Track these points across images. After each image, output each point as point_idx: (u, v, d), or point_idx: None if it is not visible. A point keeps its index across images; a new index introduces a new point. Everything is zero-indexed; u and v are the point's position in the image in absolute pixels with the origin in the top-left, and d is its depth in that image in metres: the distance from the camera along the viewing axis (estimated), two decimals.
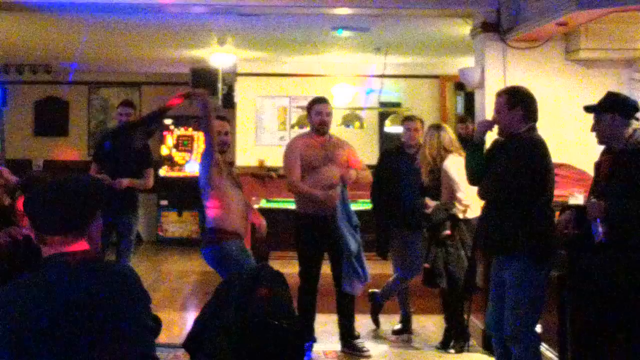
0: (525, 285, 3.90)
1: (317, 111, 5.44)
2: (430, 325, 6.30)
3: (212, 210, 4.84)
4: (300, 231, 5.46)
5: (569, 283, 4.34)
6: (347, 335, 5.51)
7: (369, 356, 5.43)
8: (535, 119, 4.01)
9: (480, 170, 4.07)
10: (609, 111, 3.89)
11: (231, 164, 5.30)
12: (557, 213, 4.21)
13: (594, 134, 3.98)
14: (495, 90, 6.25)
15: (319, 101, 5.52)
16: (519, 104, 3.94)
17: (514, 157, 3.91)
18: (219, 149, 4.86)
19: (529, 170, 3.89)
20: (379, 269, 6.86)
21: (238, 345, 2.46)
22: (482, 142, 4.11)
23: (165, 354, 5.05)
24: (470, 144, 4.18)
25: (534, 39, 6.21)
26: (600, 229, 3.71)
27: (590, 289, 3.94)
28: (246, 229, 5.00)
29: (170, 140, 11.35)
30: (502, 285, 4.03)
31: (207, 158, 4.78)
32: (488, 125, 4.13)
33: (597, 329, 4.07)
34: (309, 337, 5.38)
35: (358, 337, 5.56)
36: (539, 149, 3.95)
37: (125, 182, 5.95)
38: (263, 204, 7.82)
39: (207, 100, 4.78)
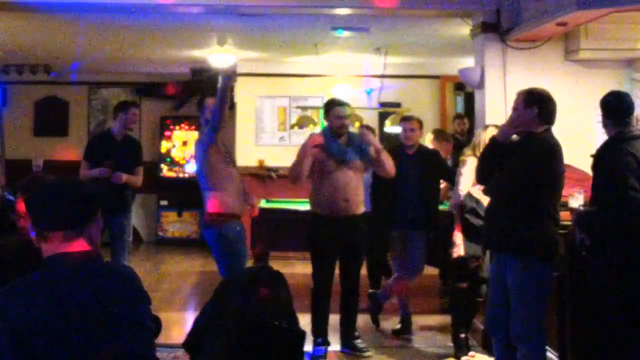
0: (531, 285, 3.91)
1: (336, 115, 5.38)
2: (430, 325, 6.30)
3: (209, 193, 4.99)
4: (315, 232, 5.41)
5: (569, 283, 4.35)
6: (348, 335, 5.51)
7: (369, 356, 5.43)
8: (550, 122, 4.02)
9: (492, 168, 4.07)
10: (602, 111, 4.00)
11: (227, 144, 5.31)
12: (562, 213, 4.22)
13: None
14: (495, 90, 6.33)
15: (339, 104, 5.50)
16: (535, 103, 3.96)
17: (528, 157, 3.92)
18: (221, 126, 5.02)
19: (542, 171, 3.90)
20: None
21: (238, 345, 2.46)
22: (505, 141, 4.08)
23: (165, 354, 5.05)
24: (492, 141, 4.15)
25: (534, 39, 6.21)
26: (578, 236, 3.83)
27: (590, 290, 3.97)
28: (244, 206, 5.17)
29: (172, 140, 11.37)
30: (502, 284, 4.03)
31: (210, 135, 4.90)
32: (513, 125, 4.06)
33: (597, 329, 4.09)
34: (324, 341, 5.37)
35: (358, 337, 5.56)
36: (554, 151, 3.97)
37: (125, 177, 6.00)
38: (263, 204, 7.81)
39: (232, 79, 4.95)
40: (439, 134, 6.64)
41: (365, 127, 5.68)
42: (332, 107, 5.46)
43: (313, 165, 5.31)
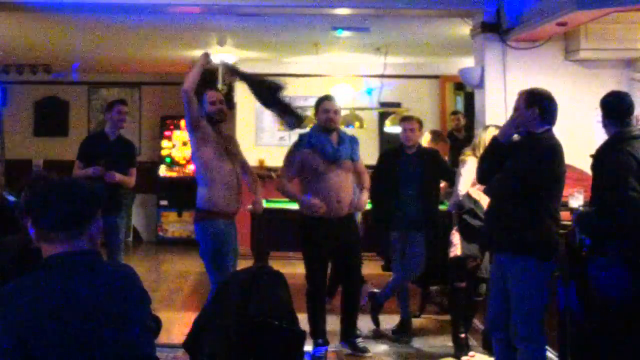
0: (531, 285, 3.90)
1: (324, 109, 5.36)
2: (430, 325, 6.30)
3: (199, 188, 5.00)
4: (305, 233, 5.38)
5: (569, 284, 4.35)
6: (348, 334, 5.49)
7: (369, 356, 5.41)
8: (552, 122, 4.01)
9: (493, 168, 4.06)
10: (602, 111, 3.99)
11: (227, 138, 5.26)
12: (562, 213, 4.22)
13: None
14: (495, 90, 6.33)
15: (325, 99, 5.46)
16: (535, 103, 3.96)
17: (529, 157, 3.92)
18: (218, 117, 5.04)
19: (542, 171, 3.89)
20: (379, 269, 6.86)
21: (238, 345, 2.46)
22: (506, 141, 4.07)
23: (165, 354, 5.05)
24: (493, 141, 4.16)
25: (534, 39, 6.21)
26: (578, 237, 3.82)
27: (590, 290, 3.97)
28: (239, 203, 5.09)
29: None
30: (502, 284, 4.03)
31: (185, 110, 4.94)
32: (514, 125, 4.06)
33: (597, 330, 4.09)
34: (324, 341, 5.36)
35: (359, 336, 5.54)
36: (555, 151, 3.96)
37: (118, 176, 6.01)
38: (263, 204, 7.80)
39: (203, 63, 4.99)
40: (436, 135, 6.65)
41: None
42: (319, 103, 5.44)
43: (303, 166, 5.28)
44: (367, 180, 5.54)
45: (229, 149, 5.13)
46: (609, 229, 3.87)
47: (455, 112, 9.39)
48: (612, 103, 4.06)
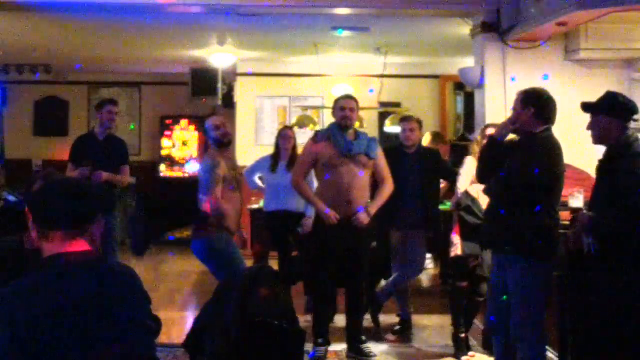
0: (531, 285, 3.90)
1: (340, 107, 5.30)
2: (430, 325, 6.30)
3: (205, 205, 4.98)
4: (314, 234, 5.34)
5: (569, 283, 4.35)
6: (354, 340, 5.41)
7: None
8: (550, 121, 4.00)
9: (492, 168, 4.06)
10: (605, 112, 3.88)
11: (233, 166, 5.28)
12: (562, 213, 4.20)
13: (589, 132, 3.99)
14: (495, 90, 6.33)
15: (343, 97, 5.46)
16: (531, 103, 3.95)
17: (528, 157, 3.91)
18: (226, 141, 5.09)
19: (542, 171, 3.88)
20: None
21: (238, 345, 2.46)
22: (502, 140, 4.07)
23: (165, 354, 5.05)
24: (489, 140, 4.17)
25: (534, 39, 6.21)
26: (586, 241, 3.77)
27: (590, 290, 3.96)
28: (239, 227, 5.15)
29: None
30: (502, 284, 4.03)
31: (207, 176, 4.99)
32: (509, 124, 4.08)
33: (597, 329, 4.08)
34: (324, 341, 5.33)
35: (365, 342, 5.45)
36: (554, 151, 3.95)
37: (105, 175, 5.99)
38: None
39: None
40: (436, 136, 6.67)
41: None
42: (336, 101, 5.43)
43: (317, 160, 5.26)
44: (383, 196, 5.37)
45: (238, 178, 5.18)
46: (626, 233, 3.78)
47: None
48: (621, 102, 3.96)
